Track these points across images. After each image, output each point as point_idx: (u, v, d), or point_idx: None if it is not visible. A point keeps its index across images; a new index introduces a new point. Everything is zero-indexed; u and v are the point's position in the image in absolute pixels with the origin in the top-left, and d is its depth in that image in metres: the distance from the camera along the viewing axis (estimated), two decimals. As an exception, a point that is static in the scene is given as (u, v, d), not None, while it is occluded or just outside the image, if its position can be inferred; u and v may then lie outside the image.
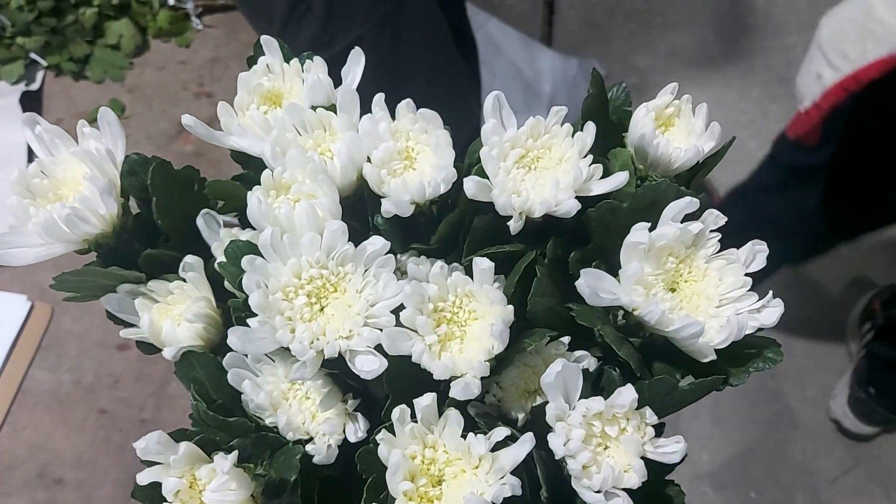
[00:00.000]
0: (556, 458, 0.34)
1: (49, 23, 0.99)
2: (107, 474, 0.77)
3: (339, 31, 0.79)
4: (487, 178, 0.37)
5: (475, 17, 1.48)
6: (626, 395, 0.33)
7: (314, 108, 0.40)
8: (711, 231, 0.36)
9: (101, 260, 0.41)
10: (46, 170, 0.39)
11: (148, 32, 1.06)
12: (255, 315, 0.33)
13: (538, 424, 0.35)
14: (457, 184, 0.37)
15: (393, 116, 0.39)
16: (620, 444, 0.33)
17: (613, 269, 0.36)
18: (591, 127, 0.38)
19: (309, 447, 0.37)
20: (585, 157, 0.38)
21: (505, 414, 0.38)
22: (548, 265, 0.38)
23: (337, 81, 0.42)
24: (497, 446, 0.33)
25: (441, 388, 0.34)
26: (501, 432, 0.33)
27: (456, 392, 0.33)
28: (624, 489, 0.33)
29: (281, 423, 0.37)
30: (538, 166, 0.38)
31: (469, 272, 0.35)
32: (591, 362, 0.38)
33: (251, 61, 0.43)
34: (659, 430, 0.35)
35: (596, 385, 0.38)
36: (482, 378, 0.34)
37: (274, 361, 0.38)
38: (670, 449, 0.34)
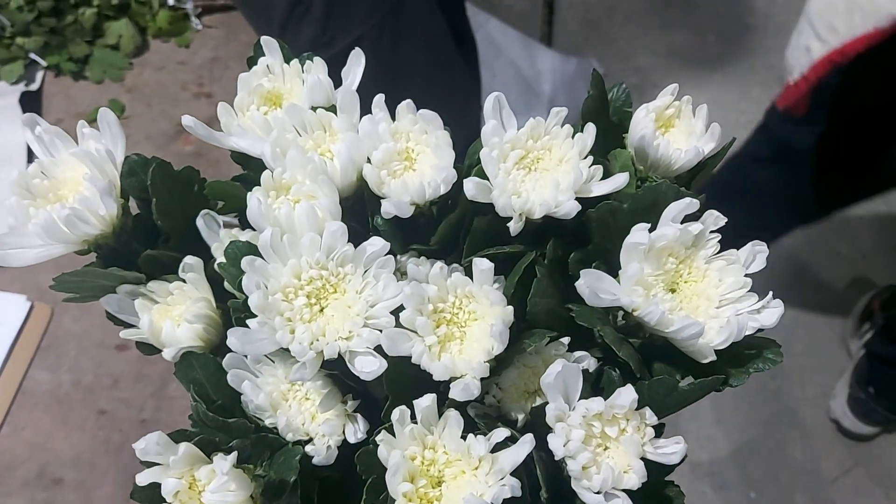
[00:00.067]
0: (556, 458, 0.34)
1: (48, 23, 0.99)
2: (106, 475, 0.77)
3: (339, 31, 0.79)
4: (487, 179, 0.37)
5: (475, 17, 1.48)
6: (626, 395, 0.33)
7: (314, 108, 0.40)
8: (711, 232, 0.36)
9: (101, 260, 0.41)
10: (46, 170, 0.39)
11: (147, 32, 1.06)
12: (255, 316, 0.33)
13: (538, 425, 0.35)
14: (457, 185, 0.37)
15: (393, 117, 0.39)
16: (620, 445, 0.33)
17: (613, 269, 0.36)
18: (591, 128, 0.38)
19: (308, 448, 0.37)
20: (585, 158, 0.38)
21: (505, 415, 0.38)
22: (548, 266, 0.38)
23: (337, 82, 0.42)
24: (497, 447, 0.33)
25: (441, 388, 0.34)
26: (501, 433, 0.33)
27: (456, 393, 0.33)
28: (624, 490, 0.33)
29: (280, 423, 0.37)
30: (538, 167, 0.38)
31: (469, 273, 0.35)
32: (590, 363, 0.38)
33: (251, 62, 0.42)
34: (659, 431, 0.35)
35: (596, 386, 0.38)
36: (482, 379, 0.34)
37: (274, 362, 0.38)
38: (670, 450, 0.34)
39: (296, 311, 0.34)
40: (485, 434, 0.34)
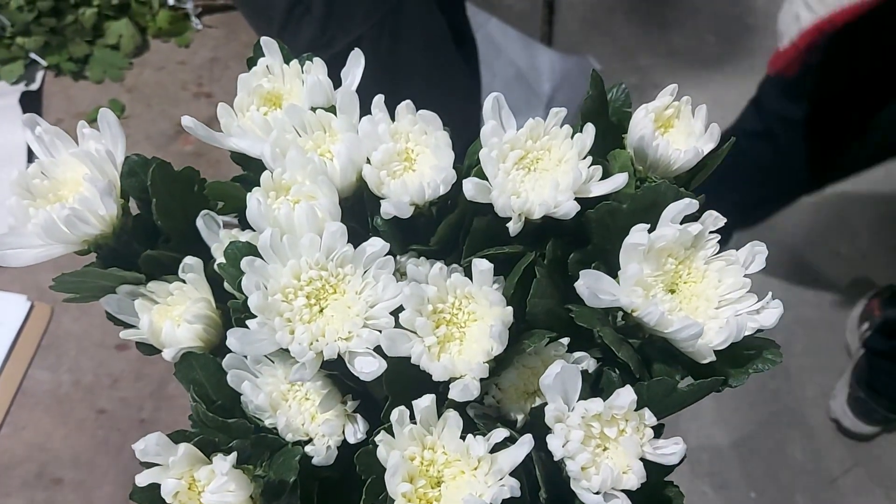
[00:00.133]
0: (555, 459, 0.34)
1: (49, 23, 0.99)
2: (106, 474, 0.77)
3: (338, 31, 0.79)
4: (487, 179, 0.37)
5: (475, 17, 1.48)
6: (625, 396, 0.33)
7: (314, 109, 0.40)
8: (711, 232, 0.36)
9: (101, 261, 0.41)
10: (46, 171, 0.39)
11: (147, 32, 1.06)
12: (255, 316, 0.33)
13: (537, 426, 0.35)
14: (456, 185, 0.37)
15: (392, 118, 0.39)
16: (619, 446, 0.34)
17: (613, 270, 0.36)
18: (590, 128, 0.38)
19: (308, 448, 0.37)
20: (585, 158, 0.38)
21: (504, 415, 0.38)
22: (547, 266, 0.38)
23: (336, 82, 0.42)
24: (496, 447, 0.33)
25: (440, 389, 0.34)
26: (500, 434, 0.33)
27: (455, 393, 0.33)
28: (623, 490, 0.33)
29: (280, 424, 0.37)
30: (537, 168, 0.38)
31: (468, 274, 0.35)
32: (590, 363, 0.38)
33: (251, 62, 0.42)
34: (658, 432, 0.35)
35: (595, 386, 0.38)
36: (481, 379, 0.34)
37: (273, 363, 0.38)
38: (669, 450, 0.34)
39: (295, 312, 0.34)
40: (484, 434, 0.34)
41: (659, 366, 0.37)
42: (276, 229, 0.34)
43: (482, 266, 0.34)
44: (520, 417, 0.38)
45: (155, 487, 0.33)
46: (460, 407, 0.35)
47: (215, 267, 0.39)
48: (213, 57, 1.05)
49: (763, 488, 1.44)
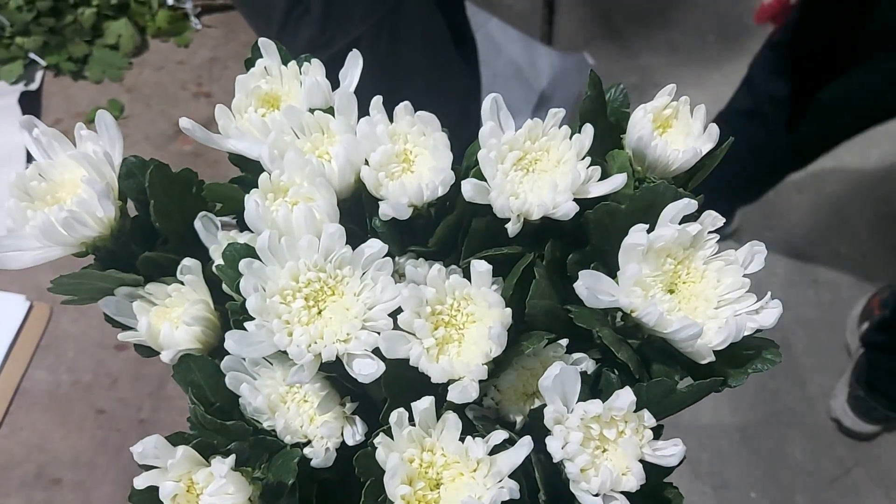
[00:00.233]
0: (555, 461, 0.34)
1: (48, 23, 0.99)
2: (105, 474, 0.77)
3: (337, 32, 0.79)
4: (485, 180, 0.37)
5: (475, 17, 1.47)
6: (625, 397, 0.33)
7: (312, 110, 0.40)
8: (710, 232, 0.36)
9: (99, 263, 0.41)
10: (44, 172, 0.39)
11: (147, 32, 1.06)
12: (253, 318, 0.33)
13: (536, 427, 0.35)
14: (455, 186, 0.37)
15: (391, 118, 0.39)
16: (619, 447, 0.33)
17: (612, 270, 0.36)
18: (588, 129, 0.38)
19: (307, 450, 0.37)
20: (583, 159, 0.37)
21: (503, 417, 0.38)
22: (546, 267, 0.38)
23: (335, 82, 0.42)
24: (495, 449, 0.33)
25: (439, 391, 0.34)
26: (499, 435, 0.33)
27: (454, 395, 0.33)
28: (622, 492, 0.33)
29: (279, 426, 0.37)
30: (536, 168, 0.38)
31: (467, 275, 0.35)
32: (589, 365, 0.38)
33: (249, 64, 0.42)
34: (657, 433, 0.35)
35: (594, 387, 0.38)
36: (480, 381, 0.34)
37: (272, 364, 0.37)
38: (668, 451, 0.34)
39: (294, 314, 0.34)
40: (483, 436, 0.33)
41: (658, 366, 0.37)
42: (274, 231, 0.34)
43: (481, 267, 0.34)
44: (519, 419, 0.38)
45: (153, 490, 0.33)
46: (459, 409, 0.35)
47: (213, 269, 0.38)
48: (213, 57, 1.05)
49: (763, 488, 1.44)
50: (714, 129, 0.40)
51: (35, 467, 0.77)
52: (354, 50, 0.42)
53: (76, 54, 1.01)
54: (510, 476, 0.32)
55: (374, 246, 0.35)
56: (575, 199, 0.36)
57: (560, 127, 0.38)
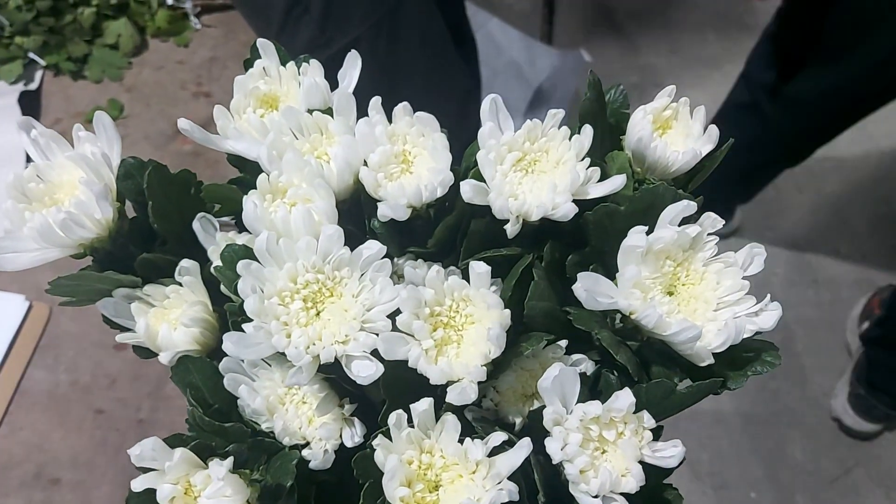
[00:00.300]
0: (554, 462, 0.34)
1: (47, 22, 0.99)
2: (104, 474, 0.77)
3: (337, 32, 0.79)
4: (484, 181, 0.37)
5: (475, 17, 1.47)
6: (624, 398, 0.33)
7: (311, 111, 0.39)
8: (709, 234, 0.36)
9: (98, 264, 0.41)
10: (42, 174, 0.39)
11: (146, 32, 1.06)
12: (251, 320, 0.33)
13: (535, 429, 0.35)
14: (454, 187, 0.37)
15: (390, 119, 0.39)
16: (618, 449, 0.33)
17: (611, 272, 0.36)
18: (588, 130, 0.37)
19: (305, 452, 0.37)
20: (583, 160, 0.37)
21: (502, 418, 0.38)
22: (545, 268, 0.37)
23: (334, 83, 0.42)
24: (494, 451, 0.33)
25: (438, 392, 0.34)
26: (498, 437, 0.33)
27: (453, 397, 0.33)
28: (622, 493, 0.33)
29: (277, 428, 0.37)
30: (535, 169, 0.38)
31: (466, 276, 0.35)
32: (588, 366, 0.37)
33: (247, 64, 0.42)
34: (657, 434, 0.35)
35: (593, 389, 0.38)
36: (479, 382, 0.34)
37: (270, 366, 0.37)
38: (668, 453, 0.34)
39: (292, 315, 0.34)
40: (482, 438, 0.33)
41: (657, 368, 0.37)
42: (272, 232, 0.34)
43: (480, 268, 0.34)
44: (518, 420, 0.38)
45: (151, 492, 0.33)
46: (458, 410, 0.35)
47: (212, 270, 0.38)
48: (212, 56, 1.05)
49: (763, 488, 1.44)
50: (714, 131, 0.40)
51: (34, 467, 0.77)
52: (353, 50, 0.42)
53: (76, 54, 1.01)
54: (509, 478, 0.32)
55: (372, 247, 0.35)
56: (574, 201, 0.36)
57: (559, 126, 0.38)
